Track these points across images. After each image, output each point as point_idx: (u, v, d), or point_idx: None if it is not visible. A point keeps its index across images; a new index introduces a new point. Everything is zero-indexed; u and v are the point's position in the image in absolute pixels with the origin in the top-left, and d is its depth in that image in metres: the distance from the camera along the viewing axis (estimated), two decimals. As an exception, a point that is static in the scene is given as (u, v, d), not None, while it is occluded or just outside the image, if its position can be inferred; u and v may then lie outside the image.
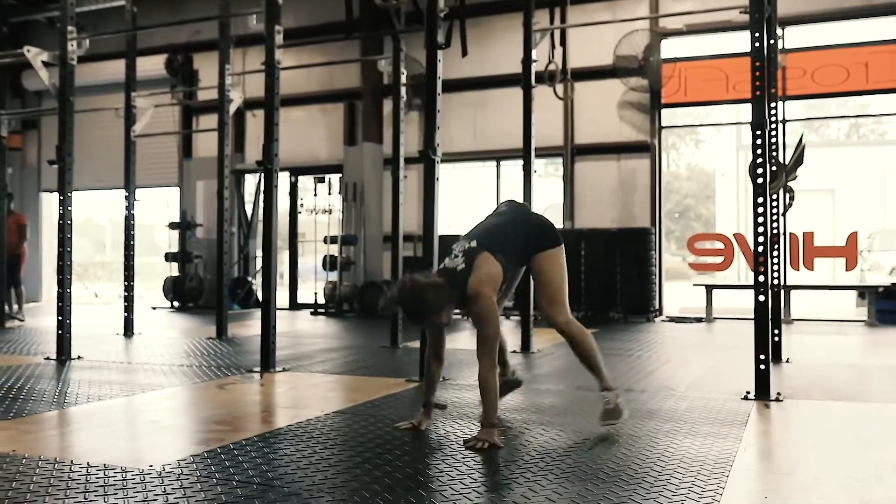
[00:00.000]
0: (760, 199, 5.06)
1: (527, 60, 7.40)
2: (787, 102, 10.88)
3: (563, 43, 8.36)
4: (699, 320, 10.68)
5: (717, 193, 30.07)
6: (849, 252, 10.41)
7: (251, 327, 10.02)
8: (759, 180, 5.07)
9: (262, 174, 6.24)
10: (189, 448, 3.63)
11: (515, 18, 10.44)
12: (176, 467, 3.27)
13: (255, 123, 13.72)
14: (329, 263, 12.19)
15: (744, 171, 27.95)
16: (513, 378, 4.57)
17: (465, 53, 6.10)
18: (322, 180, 12.82)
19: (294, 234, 13.53)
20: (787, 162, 10.96)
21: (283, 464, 3.34)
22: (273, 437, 3.87)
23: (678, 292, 14.37)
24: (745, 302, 12.46)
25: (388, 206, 12.83)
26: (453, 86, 12.05)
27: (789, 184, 11.10)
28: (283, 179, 13.29)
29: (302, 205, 13.41)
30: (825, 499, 2.96)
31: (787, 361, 6.55)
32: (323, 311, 12.22)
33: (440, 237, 12.96)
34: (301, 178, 13.66)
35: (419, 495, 2.90)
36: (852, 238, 10.46)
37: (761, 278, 5.06)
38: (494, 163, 12.53)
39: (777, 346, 6.70)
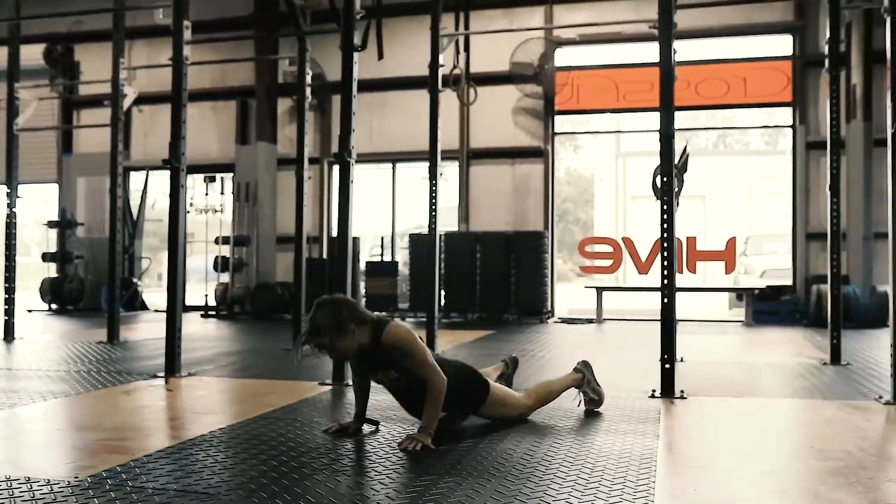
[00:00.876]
0: (667, 206, 5.30)
1: (434, 65, 7.46)
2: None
3: (466, 49, 8.47)
4: (590, 321, 11.04)
5: (595, 198, 31.07)
6: (728, 256, 10.99)
7: (140, 330, 9.70)
8: (667, 188, 5.31)
9: (169, 173, 6.06)
10: (113, 458, 3.49)
11: (415, 21, 10.58)
12: (104, 478, 3.14)
13: (141, 119, 13.25)
14: (221, 264, 11.92)
15: (622, 177, 29.08)
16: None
17: (381, 56, 6.11)
18: (213, 179, 12.51)
19: (182, 234, 13.10)
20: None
21: (218, 470, 3.27)
22: (200, 443, 3.77)
23: (562, 294, 14.79)
24: (630, 303, 13.01)
25: (281, 206, 12.68)
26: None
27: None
28: (197, 179, 12.85)
29: (191, 204, 13.02)
30: (747, 489, 3.14)
31: (682, 360, 6.86)
32: (214, 313, 11.93)
33: (333, 239, 12.79)
34: (190, 177, 13.27)
35: (361, 496, 2.90)
36: (731, 243, 11.07)
37: (667, 281, 5.30)
38: (390, 165, 12.56)
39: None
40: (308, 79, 7.97)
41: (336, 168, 13.26)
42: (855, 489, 3.12)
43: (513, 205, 11.95)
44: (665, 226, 5.31)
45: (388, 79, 12.10)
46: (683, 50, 11.84)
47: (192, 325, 10.83)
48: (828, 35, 6.86)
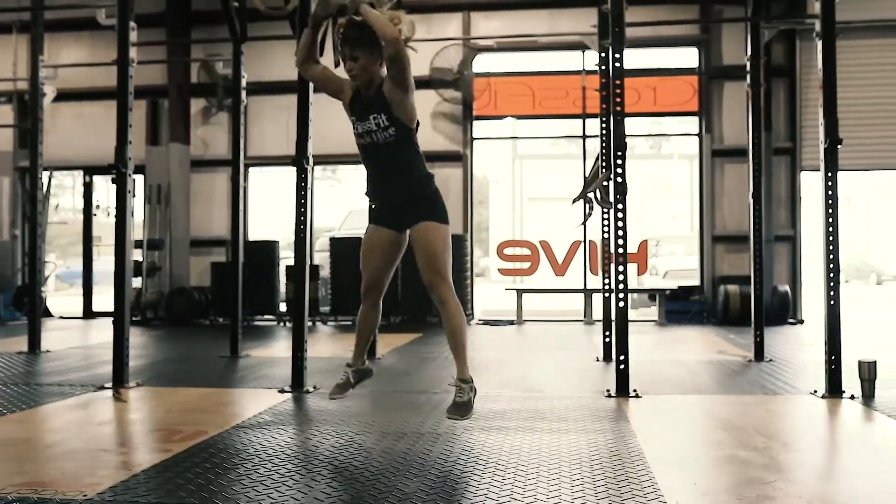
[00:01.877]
0: (620, 214, 5.56)
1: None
2: (587, 120, 11.85)
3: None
4: (511, 323, 11.28)
5: (490, 200, 31.55)
6: (640, 258, 11.47)
7: (56, 339, 9.29)
8: (619, 196, 5.56)
9: (115, 179, 5.90)
10: (116, 473, 3.40)
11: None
12: (116, 494, 3.08)
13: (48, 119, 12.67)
14: (133, 269, 11.54)
15: (518, 179, 29.74)
16: (364, 368, 4.45)
17: (337, 64, 6.10)
18: (121, 181, 12.08)
19: (88, 238, 12.64)
20: (588, 175, 11.89)
21: (228, 480, 3.25)
22: (195, 454, 3.71)
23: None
24: (542, 304, 13.36)
25: (194, 209, 12.40)
26: (266, 88, 11.88)
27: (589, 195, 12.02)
28: (77, 179, 12.40)
29: (97, 206, 12.58)
30: (743, 481, 3.38)
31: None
32: (127, 319, 11.52)
33: (250, 243, 12.55)
34: (97, 179, 12.83)
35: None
36: (643, 245, 11.55)
37: (621, 285, 5.55)
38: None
39: (609, 347, 7.32)
40: (244, 82, 7.84)
41: (252, 171, 13.01)
42: (833, 476, 3.41)
43: (432, 208, 12.05)
44: (619, 232, 5.55)
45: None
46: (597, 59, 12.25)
47: (104, 331, 10.44)
48: (749, 52, 7.30)
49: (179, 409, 5.02)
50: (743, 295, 10.86)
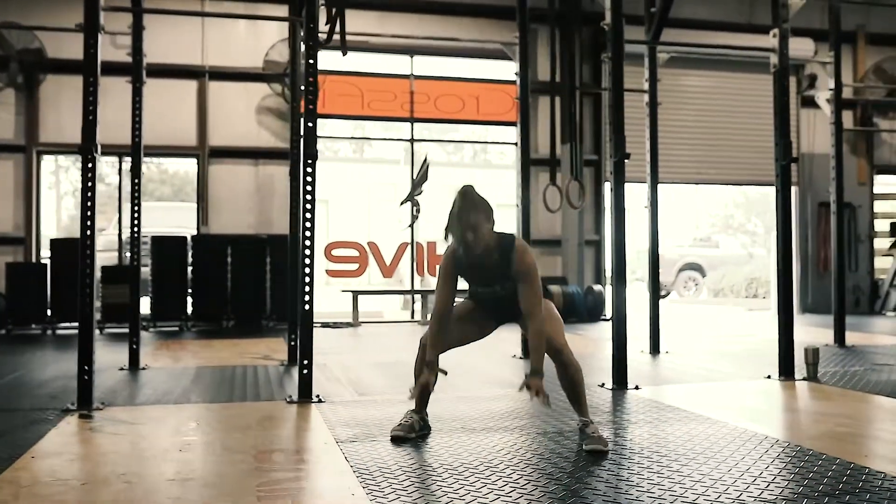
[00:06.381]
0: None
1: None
2: (415, 124, 12.06)
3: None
4: (349, 325, 11.09)
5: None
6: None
7: None
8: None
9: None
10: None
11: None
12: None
13: None
14: None
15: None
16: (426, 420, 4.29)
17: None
18: None
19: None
20: (415, 178, 12.10)
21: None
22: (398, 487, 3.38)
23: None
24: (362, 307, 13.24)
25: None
26: (66, 66, 10.49)
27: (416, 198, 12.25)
28: None
29: None
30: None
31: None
32: None
33: (56, 241, 11.16)
34: None
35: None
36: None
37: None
38: (116, 159, 11.24)
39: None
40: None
41: (46, 159, 11.47)
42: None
43: (255, 206, 11.49)
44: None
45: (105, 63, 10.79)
46: (424, 66, 12.57)
47: None
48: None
49: (205, 430, 4.42)
50: (565, 294, 11.75)
